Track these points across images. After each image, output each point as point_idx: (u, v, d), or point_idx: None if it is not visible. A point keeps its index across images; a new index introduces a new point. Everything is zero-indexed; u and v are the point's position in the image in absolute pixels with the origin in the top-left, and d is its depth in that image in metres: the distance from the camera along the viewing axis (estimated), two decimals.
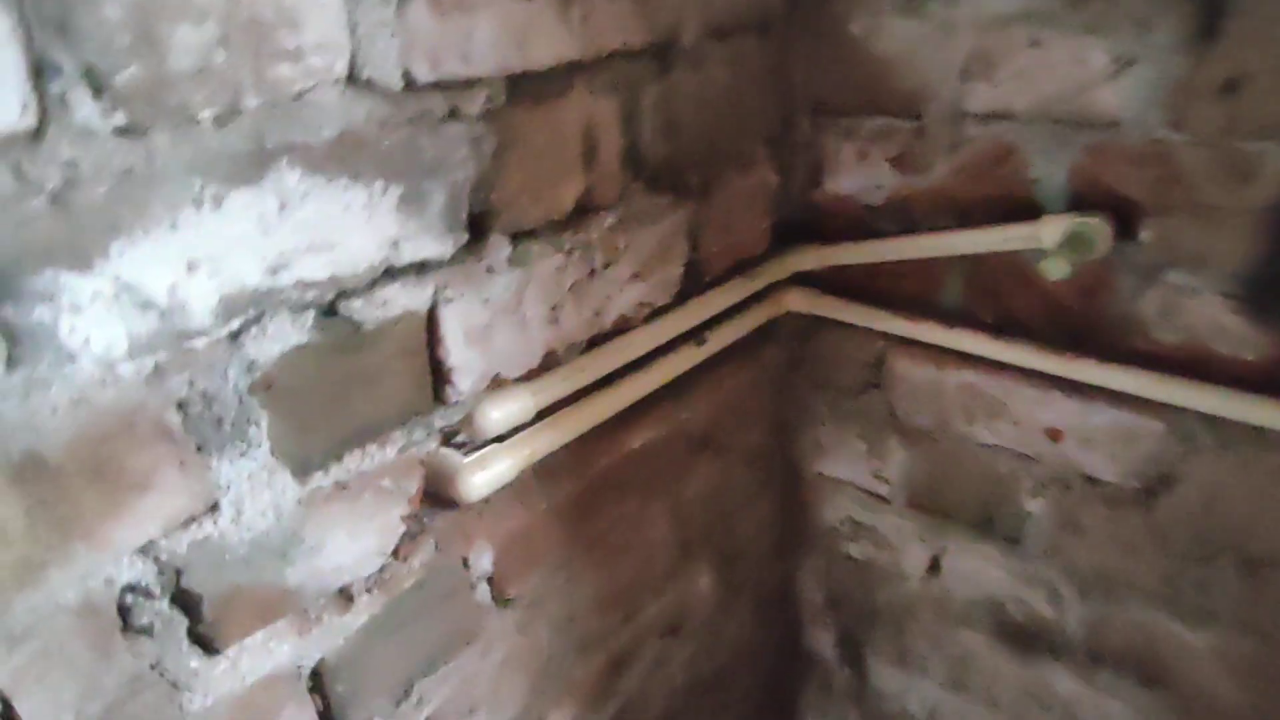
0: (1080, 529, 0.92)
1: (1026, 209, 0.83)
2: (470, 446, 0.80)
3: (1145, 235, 0.77)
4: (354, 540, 0.65)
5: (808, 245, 1.00)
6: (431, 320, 0.65)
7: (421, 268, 0.64)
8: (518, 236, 0.70)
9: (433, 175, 0.62)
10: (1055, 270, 0.74)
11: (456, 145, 0.63)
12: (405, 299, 0.63)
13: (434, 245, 0.63)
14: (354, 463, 0.64)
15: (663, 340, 0.87)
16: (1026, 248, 0.83)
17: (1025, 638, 1.03)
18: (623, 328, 0.83)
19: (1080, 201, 0.80)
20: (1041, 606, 1.00)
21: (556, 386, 0.77)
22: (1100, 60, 0.73)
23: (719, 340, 0.94)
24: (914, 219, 0.92)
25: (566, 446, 0.81)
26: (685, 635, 1.08)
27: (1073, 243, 0.75)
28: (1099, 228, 0.77)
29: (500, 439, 0.78)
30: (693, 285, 0.90)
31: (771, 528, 1.17)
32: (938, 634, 1.12)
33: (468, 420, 0.72)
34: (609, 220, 0.77)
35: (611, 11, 0.71)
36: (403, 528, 0.69)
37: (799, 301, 1.03)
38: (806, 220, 1.00)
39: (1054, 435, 0.90)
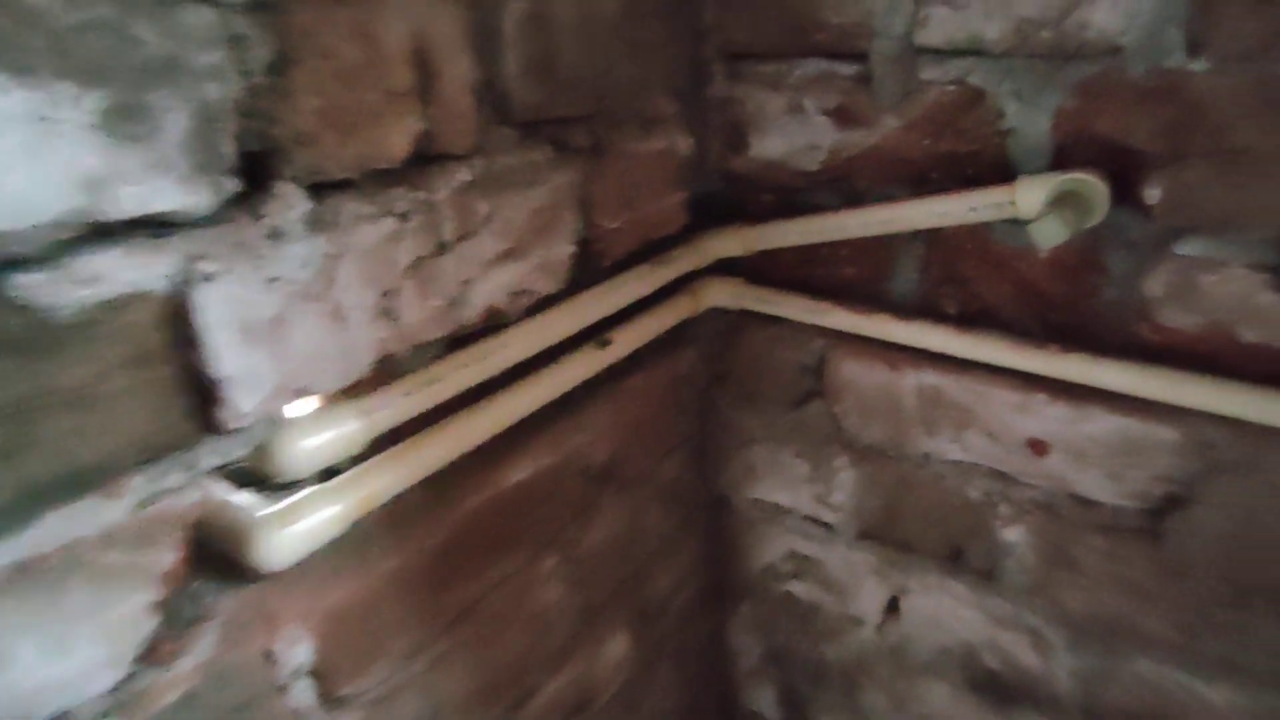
0: (1071, 564, 0.76)
1: (998, 170, 0.67)
2: (273, 489, 0.58)
3: (1152, 195, 0.62)
4: (60, 650, 0.43)
5: (730, 225, 0.82)
6: (182, 307, 0.44)
7: (160, 226, 0.42)
8: (322, 189, 0.49)
9: (163, 83, 0.40)
10: (1049, 234, 0.58)
11: (205, 44, 0.42)
12: (131, 273, 0.42)
13: (176, 192, 0.42)
14: (53, 529, 0.41)
15: (550, 341, 0.67)
16: (999, 218, 0.67)
17: (1004, 691, 0.86)
18: (494, 324, 0.62)
19: (1065, 158, 0.64)
20: (1024, 654, 0.83)
21: (399, 404, 0.56)
22: None
23: (625, 343, 0.75)
24: (859, 187, 0.75)
25: (421, 484, 0.60)
26: (596, 714, 0.87)
27: (1066, 203, 0.59)
28: (1096, 186, 0.61)
29: (326, 474, 0.57)
30: (588, 272, 0.70)
31: (696, 572, 0.97)
32: (898, 687, 0.94)
33: (263, 454, 0.51)
34: (463, 175, 0.57)
35: None
36: (153, 620, 0.47)
37: (722, 294, 0.85)
38: (727, 194, 0.82)
39: (1038, 449, 0.73)
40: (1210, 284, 0.62)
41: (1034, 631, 0.81)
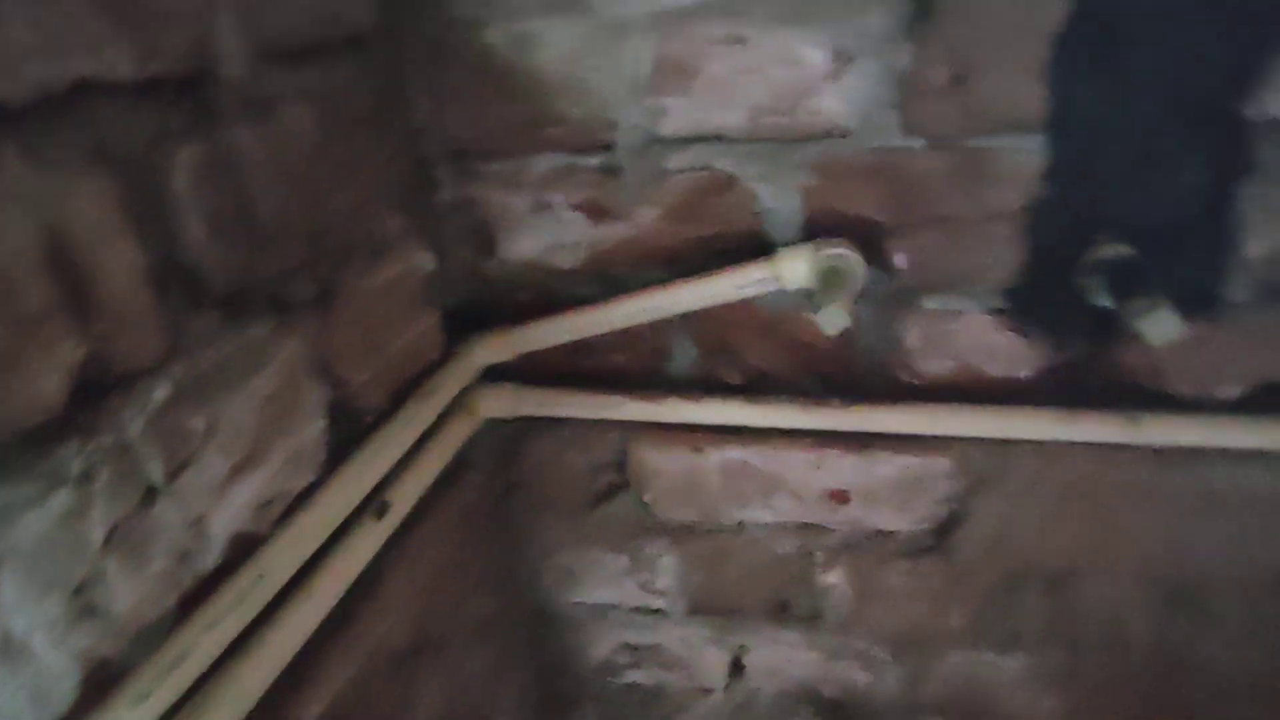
0: (881, 590, 0.80)
1: (759, 247, 0.66)
2: None
3: (900, 260, 0.64)
4: None
5: (492, 331, 0.75)
6: None
7: None
8: None
9: None
10: (835, 322, 0.58)
11: None
12: None
13: None
14: None
15: (320, 540, 0.55)
16: (765, 291, 0.67)
17: (849, 713, 0.89)
18: (245, 553, 0.49)
19: (817, 230, 0.65)
20: (858, 676, 0.86)
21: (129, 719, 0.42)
22: (817, 57, 0.58)
23: (406, 497, 0.65)
24: (623, 275, 0.71)
25: None
26: None
27: (834, 284, 0.60)
28: (850, 257, 0.62)
29: None
30: (348, 439, 0.59)
31: (531, 692, 0.90)
32: None
33: None
34: (160, 392, 0.43)
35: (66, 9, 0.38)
36: None
37: (497, 404, 0.77)
38: (489, 302, 0.74)
39: (839, 498, 0.75)
40: (955, 331, 0.67)
41: (862, 655, 0.85)
